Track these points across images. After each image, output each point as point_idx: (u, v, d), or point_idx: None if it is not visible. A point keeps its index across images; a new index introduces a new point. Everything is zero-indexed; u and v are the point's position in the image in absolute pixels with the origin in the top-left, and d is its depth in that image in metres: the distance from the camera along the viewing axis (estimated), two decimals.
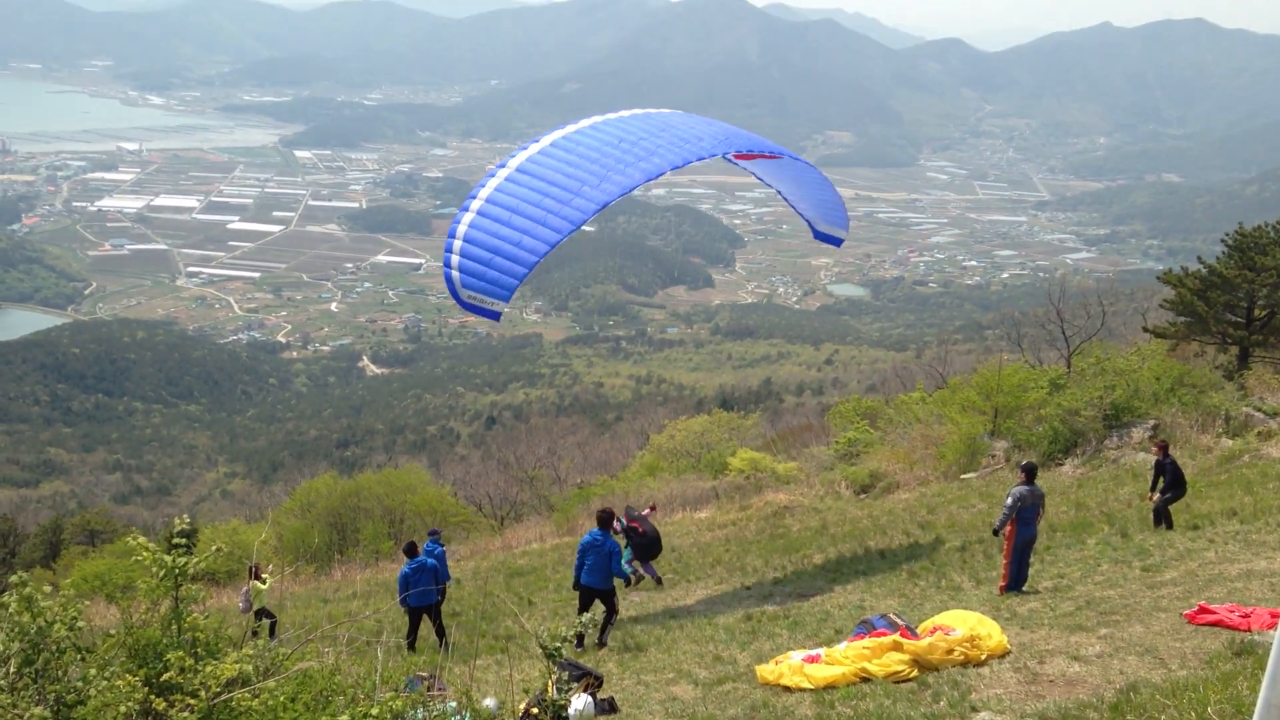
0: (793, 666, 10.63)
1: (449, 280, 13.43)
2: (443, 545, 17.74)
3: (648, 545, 18.89)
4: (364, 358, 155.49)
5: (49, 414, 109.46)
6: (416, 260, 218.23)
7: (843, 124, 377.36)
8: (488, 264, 13.02)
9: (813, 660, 10.67)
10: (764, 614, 15.16)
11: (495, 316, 14.03)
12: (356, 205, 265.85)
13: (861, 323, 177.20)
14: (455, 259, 13.03)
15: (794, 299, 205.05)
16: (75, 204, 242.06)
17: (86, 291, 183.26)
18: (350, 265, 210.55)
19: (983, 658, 10.26)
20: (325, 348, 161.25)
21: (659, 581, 19.13)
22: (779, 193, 18.60)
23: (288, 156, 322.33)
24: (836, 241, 18.55)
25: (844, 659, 10.48)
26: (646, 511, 21.10)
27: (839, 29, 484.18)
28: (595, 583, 14.40)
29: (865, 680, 10.10)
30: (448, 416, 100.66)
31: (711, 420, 39.59)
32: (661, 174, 14.22)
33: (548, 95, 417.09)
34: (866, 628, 11.35)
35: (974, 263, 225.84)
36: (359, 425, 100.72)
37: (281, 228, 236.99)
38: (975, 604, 13.00)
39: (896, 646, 10.43)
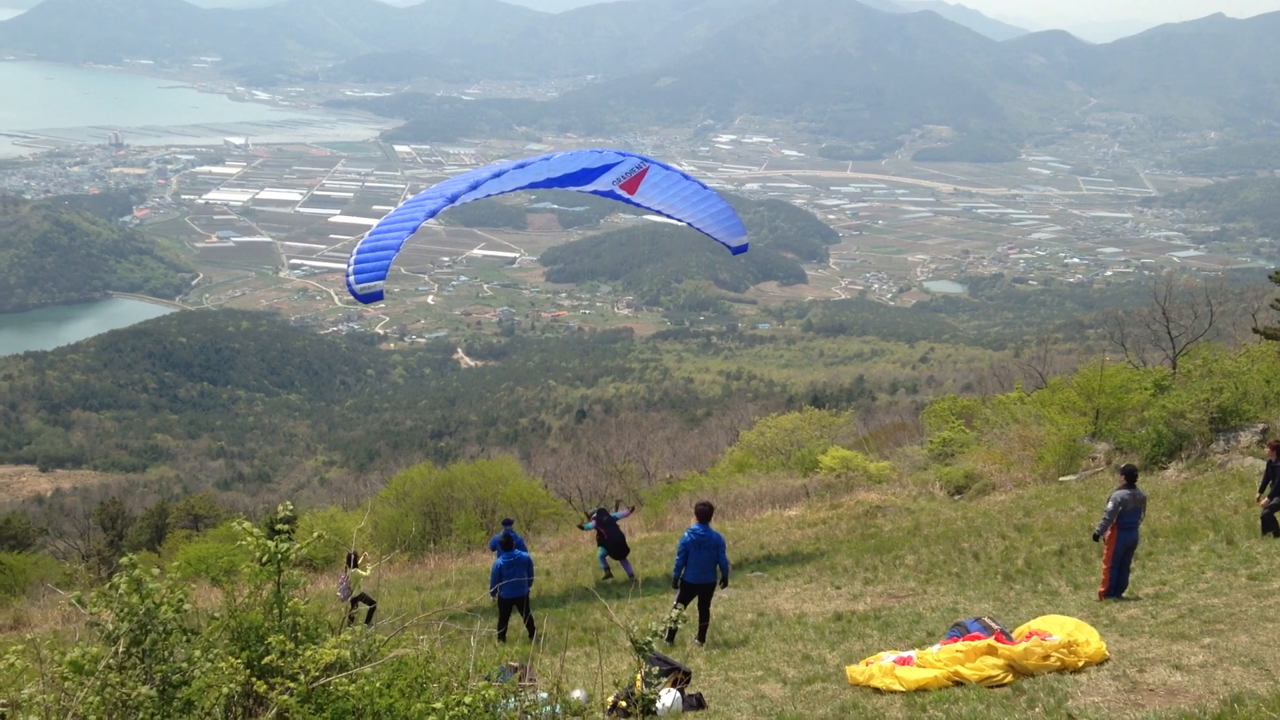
0: (884, 668, 10.52)
1: (347, 283, 16.68)
2: (518, 535, 18.00)
3: (615, 545, 20.38)
4: (459, 350, 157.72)
5: (156, 401, 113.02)
6: (511, 254, 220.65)
7: (941, 118, 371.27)
8: (369, 258, 16.69)
9: (904, 662, 10.54)
10: (854, 614, 15.02)
11: (380, 297, 17.39)
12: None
13: (958, 320, 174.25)
14: (350, 264, 16.44)
15: (889, 295, 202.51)
16: (184, 197, 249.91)
17: (194, 282, 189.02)
18: (446, 259, 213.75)
19: (1080, 664, 10.04)
20: (421, 340, 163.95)
21: (631, 577, 20.32)
22: (686, 223, 20.07)
23: (388, 151, 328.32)
24: (744, 248, 20.45)
25: (936, 662, 10.33)
26: (625, 512, 22.01)
27: (939, 21, 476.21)
28: (699, 578, 14.36)
29: (958, 684, 9.95)
30: (539, 409, 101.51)
31: (802, 417, 39.28)
32: (501, 191, 17.98)
33: (642, 90, 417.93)
34: (960, 631, 11.16)
35: (1076, 260, 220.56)
36: (453, 416, 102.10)
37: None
38: (1073, 609, 12.72)
39: (991, 651, 10.26)
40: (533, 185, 18.37)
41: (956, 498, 26.01)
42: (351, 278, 16.56)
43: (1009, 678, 9.99)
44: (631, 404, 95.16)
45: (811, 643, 13.33)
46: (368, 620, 17.25)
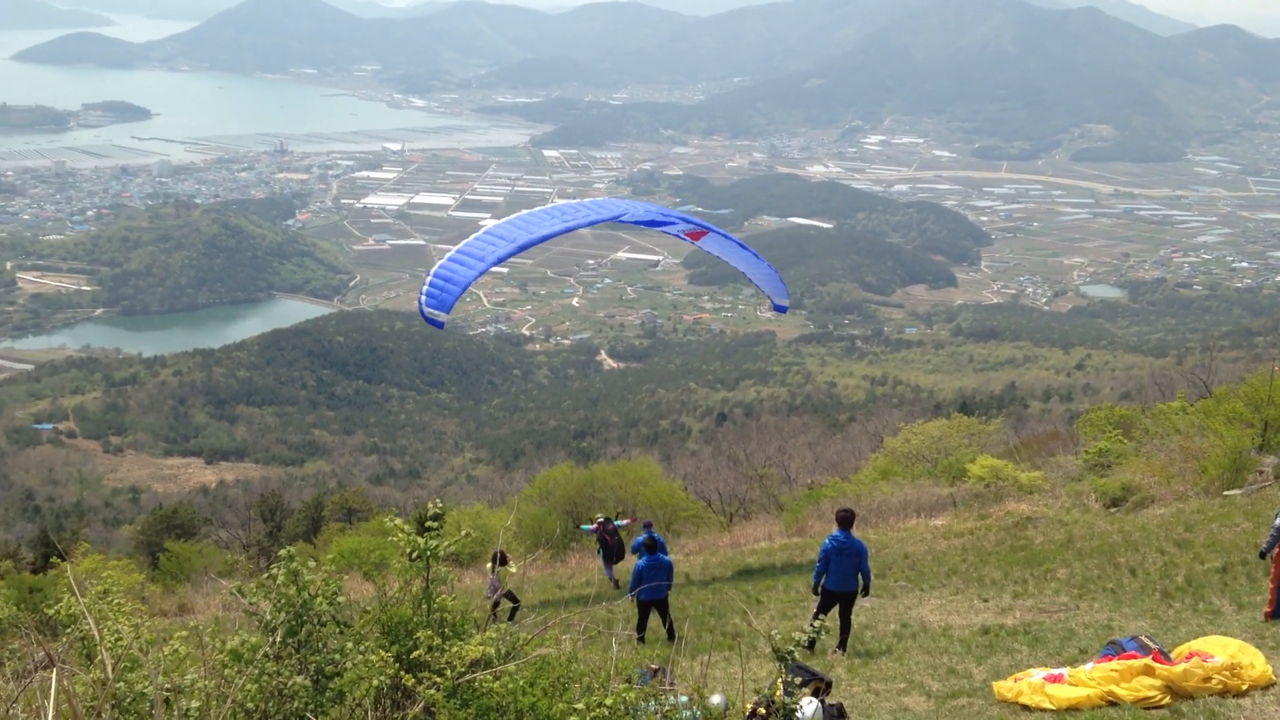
0: (1033, 685, 10.22)
1: (419, 301, 17.72)
2: (659, 536, 18.10)
3: (614, 551, 21.63)
4: (602, 352, 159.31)
5: (315, 398, 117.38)
6: (654, 257, 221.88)
7: (1102, 116, 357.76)
8: (442, 287, 17.55)
9: (1055, 680, 10.22)
10: (1002, 628, 14.61)
11: (440, 326, 18.30)
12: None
13: (1117, 326, 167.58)
14: (424, 288, 17.50)
15: (1043, 300, 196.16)
16: (343, 201, 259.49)
17: (351, 283, 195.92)
18: (591, 262, 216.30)
19: (1244, 688, 9.56)
20: (566, 341, 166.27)
21: (615, 585, 21.05)
22: (741, 271, 21.31)
23: (537, 156, 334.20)
24: (784, 309, 21.70)
25: (1090, 680, 9.98)
26: (627, 521, 23.15)
27: (1101, 17, 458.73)
28: (840, 585, 14.20)
29: (1112, 704, 9.60)
30: (680, 411, 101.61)
31: (950, 424, 38.38)
32: (575, 229, 19.11)
33: (790, 91, 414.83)
34: (1115, 649, 10.75)
35: (1245, 264, 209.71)
36: (595, 417, 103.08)
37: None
38: (1236, 630, 12.09)
39: (1148, 671, 9.85)
40: (613, 220, 19.61)
41: (1113, 510, 25.03)
42: (423, 298, 17.65)
43: (1166, 700, 9.59)
44: (773, 408, 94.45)
45: (957, 656, 13.03)
46: (510, 618, 17.57)
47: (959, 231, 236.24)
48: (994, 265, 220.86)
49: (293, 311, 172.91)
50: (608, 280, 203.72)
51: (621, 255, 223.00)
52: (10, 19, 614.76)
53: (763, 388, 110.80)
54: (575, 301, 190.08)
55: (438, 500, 7.45)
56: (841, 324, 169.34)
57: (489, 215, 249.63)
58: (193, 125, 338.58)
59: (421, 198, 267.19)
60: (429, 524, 6.75)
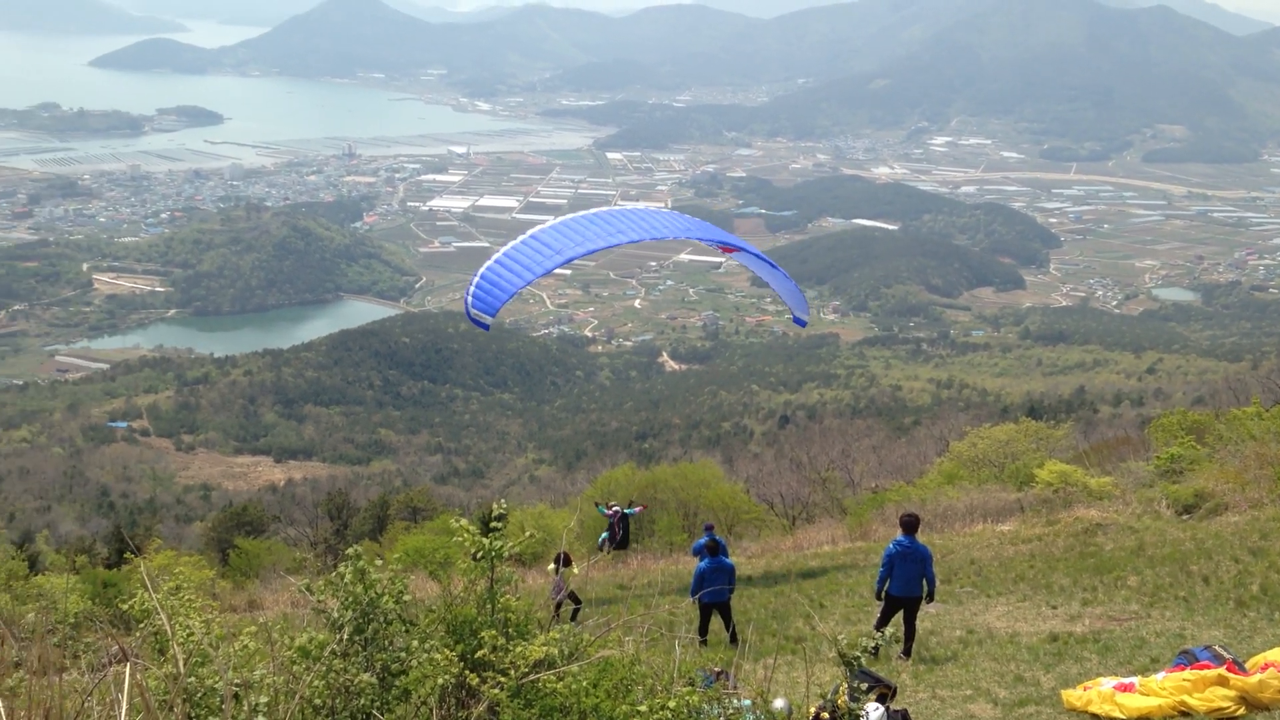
0: (1103, 694, 10.03)
1: (465, 301, 18.17)
2: (721, 539, 18.03)
3: (622, 537, 23.31)
4: (664, 353, 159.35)
5: (381, 398, 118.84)
6: (717, 259, 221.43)
7: (1174, 117, 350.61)
8: (489, 291, 17.85)
9: (1126, 689, 10.02)
10: (1071, 636, 14.36)
11: (486, 328, 18.77)
12: (662, 205, 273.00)
13: (1190, 330, 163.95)
14: (471, 289, 17.93)
15: (1114, 303, 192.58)
16: (409, 204, 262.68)
17: (417, 285, 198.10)
18: (653, 263, 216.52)
19: None
20: (628, 343, 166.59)
21: (600, 549, 23.23)
22: (767, 283, 22.26)
23: (600, 158, 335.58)
24: (804, 323, 22.51)
25: (1161, 690, 9.78)
26: (639, 509, 24.70)
27: (1174, 16, 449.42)
28: (905, 591, 14.06)
29: (1184, 715, 9.39)
30: (742, 414, 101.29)
31: (1017, 429, 37.84)
32: (617, 245, 19.14)
33: (855, 92, 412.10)
34: (1188, 659, 10.52)
35: None
36: (657, 419, 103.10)
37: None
38: None
39: (1222, 681, 9.62)
40: (654, 239, 20.31)
41: (1185, 518, 24.48)
42: (470, 299, 17.90)
43: (1241, 711, 9.36)
44: (836, 410, 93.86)
45: (1025, 663, 12.83)
46: (573, 618, 17.64)
47: (1027, 233, 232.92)
48: (1063, 268, 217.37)
49: (360, 313, 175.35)
50: (670, 282, 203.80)
51: (684, 257, 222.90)
52: (86, 25, 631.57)
53: (826, 390, 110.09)
54: (637, 303, 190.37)
55: (502, 501, 7.50)
56: (907, 326, 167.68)
57: (552, 217, 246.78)
58: (263, 129, 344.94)
59: (486, 200, 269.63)
60: (493, 524, 6.80)
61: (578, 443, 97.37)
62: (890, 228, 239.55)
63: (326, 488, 61.08)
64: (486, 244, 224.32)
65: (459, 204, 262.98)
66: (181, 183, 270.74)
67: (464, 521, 6.78)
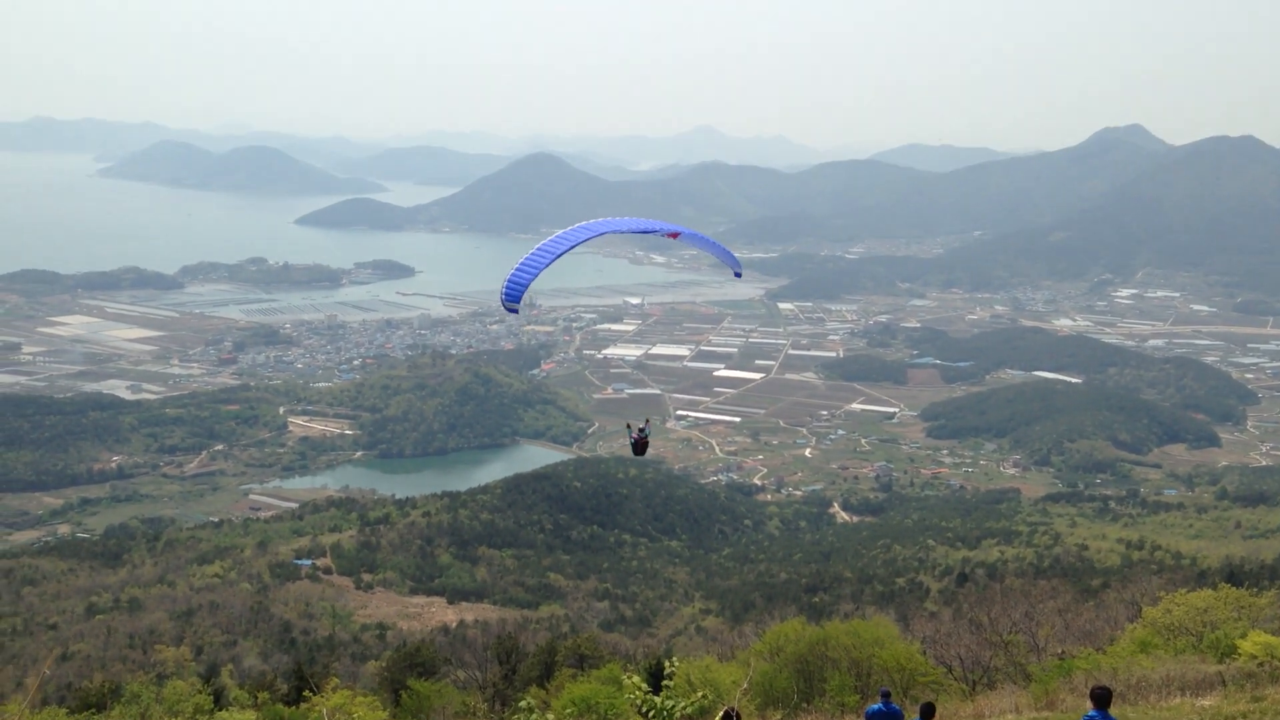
0: None
1: (501, 296, 24.64)
2: (897, 707, 17.40)
3: (641, 448, 29.94)
4: (835, 504, 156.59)
5: (551, 541, 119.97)
6: (890, 409, 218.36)
7: None
8: (515, 283, 24.53)
9: None
10: None
11: (514, 311, 25.50)
12: (834, 354, 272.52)
13: None
14: (504, 284, 24.33)
15: None
16: (585, 352, 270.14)
17: (589, 430, 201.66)
18: (825, 412, 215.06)
19: None
20: (798, 492, 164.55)
21: (633, 442, 29.98)
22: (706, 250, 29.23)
23: (771, 308, 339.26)
24: (740, 274, 30.76)
25: None
26: (649, 429, 30.77)
27: None
28: None
29: None
30: (917, 570, 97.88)
31: (1217, 596, 35.51)
32: (615, 231, 26.29)
33: (1033, 244, 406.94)
34: None
35: None
36: (827, 572, 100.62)
37: (762, 375, 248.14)
38: None
39: None
40: (623, 230, 26.77)
41: None
42: (502, 294, 24.72)
43: None
44: (1018, 569, 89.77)
45: None
46: None
47: (1221, 389, 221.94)
48: (1262, 425, 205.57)
49: (534, 456, 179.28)
50: (841, 431, 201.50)
51: (856, 407, 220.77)
52: (297, 187, 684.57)
53: (1007, 548, 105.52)
54: (808, 452, 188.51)
55: (674, 660, 7.60)
56: (1093, 483, 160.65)
57: (723, 365, 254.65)
58: (451, 281, 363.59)
59: (659, 349, 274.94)
60: (664, 682, 6.89)
61: (745, 593, 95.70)
62: (1073, 380, 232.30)
63: (496, 631, 61.59)
64: (658, 391, 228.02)
65: (632, 352, 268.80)
66: (374, 331, 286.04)
67: (635, 678, 6.90)
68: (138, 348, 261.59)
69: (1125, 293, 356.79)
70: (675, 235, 27.20)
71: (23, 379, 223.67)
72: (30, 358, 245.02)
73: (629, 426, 32.84)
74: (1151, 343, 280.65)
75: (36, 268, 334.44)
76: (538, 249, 25.56)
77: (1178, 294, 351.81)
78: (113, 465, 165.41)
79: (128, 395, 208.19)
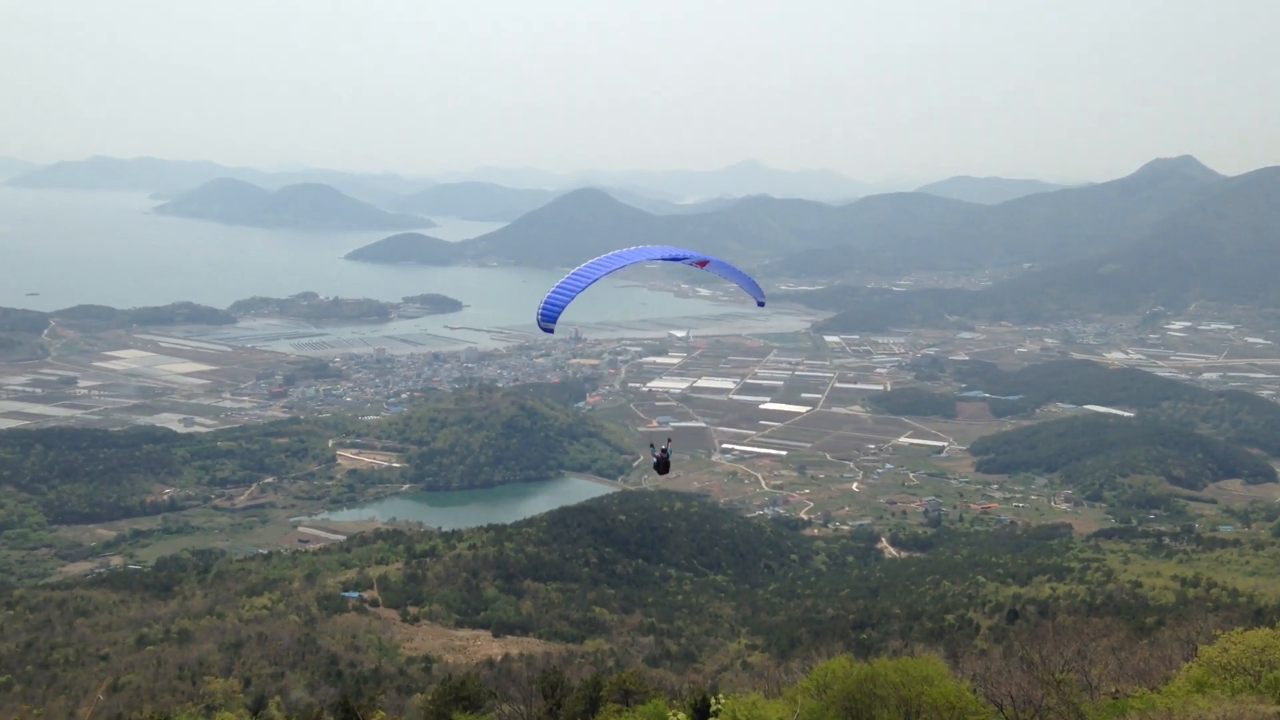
0: None
1: (538, 318, 26.39)
2: None
3: (663, 466, 34.58)
4: (883, 539, 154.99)
5: (596, 575, 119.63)
6: (939, 443, 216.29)
7: None
8: (552, 304, 26.23)
9: None
10: None
11: (550, 331, 27.42)
12: (881, 388, 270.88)
13: None
14: (541, 303, 25.67)
15: None
16: (630, 385, 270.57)
17: (635, 464, 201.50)
18: (872, 446, 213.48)
19: None
20: (845, 527, 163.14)
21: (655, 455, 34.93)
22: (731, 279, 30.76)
23: (817, 341, 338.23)
24: (762, 303, 33.54)
25: None
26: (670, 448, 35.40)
27: None
28: None
29: None
30: (966, 606, 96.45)
31: (1274, 634, 34.75)
32: (646, 259, 28.32)
33: (1083, 276, 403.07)
34: None
35: None
36: (875, 607, 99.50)
37: (808, 409, 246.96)
38: None
39: None
40: (654, 258, 28.47)
41: None
42: (539, 315, 26.51)
43: None
44: (1070, 606, 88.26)
45: None
46: None
47: (1278, 423, 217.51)
48: None
49: (579, 490, 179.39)
50: (889, 466, 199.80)
51: (904, 440, 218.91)
52: (347, 223, 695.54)
53: (1059, 584, 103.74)
54: (855, 486, 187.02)
55: (719, 696, 7.59)
56: (1146, 519, 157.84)
57: (768, 398, 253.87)
58: (498, 315, 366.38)
59: (704, 381, 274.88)
60: (710, 718, 6.89)
61: (792, 629, 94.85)
62: (1126, 415, 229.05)
63: (541, 665, 61.52)
64: (703, 424, 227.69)
65: (677, 385, 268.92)
66: (422, 365, 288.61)
67: (681, 714, 6.91)
68: (190, 381, 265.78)
69: (1178, 325, 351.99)
70: (704, 264, 28.93)
71: (79, 412, 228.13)
72: (86, 391, 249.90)
73: (651, 446, 36.31)
74: (1205, 376, 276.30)
75: (93, 303, 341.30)
76: (573, 273, 27.27)
77: (1232, 326, 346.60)
78: (165, 497, 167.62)
79: (180, 428, 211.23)
